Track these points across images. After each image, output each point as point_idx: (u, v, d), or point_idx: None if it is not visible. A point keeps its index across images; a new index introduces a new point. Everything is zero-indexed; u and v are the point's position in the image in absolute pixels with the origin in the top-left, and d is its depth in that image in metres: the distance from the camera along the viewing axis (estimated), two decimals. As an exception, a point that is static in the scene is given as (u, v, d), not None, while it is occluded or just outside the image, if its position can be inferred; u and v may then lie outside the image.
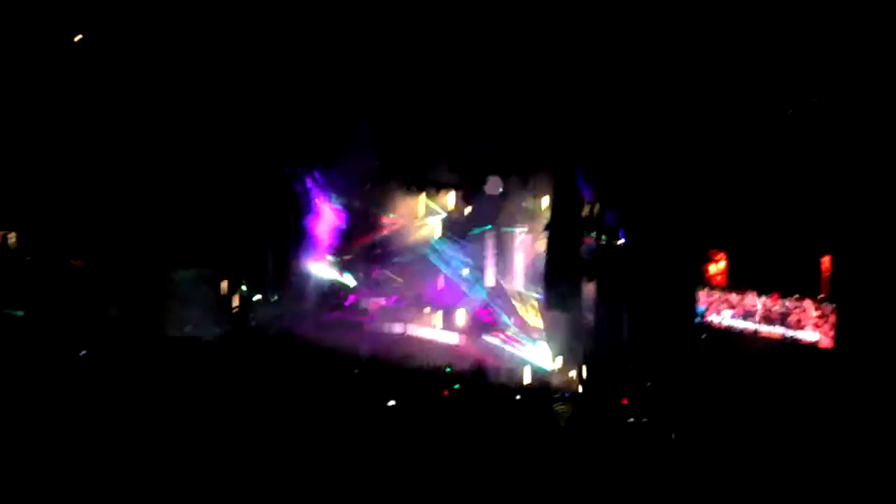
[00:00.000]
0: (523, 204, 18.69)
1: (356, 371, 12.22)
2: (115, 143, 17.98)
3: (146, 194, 18.29)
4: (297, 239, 20.05)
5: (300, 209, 20.05)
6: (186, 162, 18.32)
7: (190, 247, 18.55)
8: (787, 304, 14.77)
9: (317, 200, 20.02)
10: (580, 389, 15.78)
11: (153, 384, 10.26)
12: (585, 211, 16.85)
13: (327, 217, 20.26)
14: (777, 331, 14.90)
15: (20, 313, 13.89)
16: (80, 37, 17.52)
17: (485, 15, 15.48)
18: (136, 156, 18.11)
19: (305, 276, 19.99)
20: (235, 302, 19.22)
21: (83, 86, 17.64)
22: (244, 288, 19.36)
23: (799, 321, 14.61)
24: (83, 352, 11.65)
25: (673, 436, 11.58)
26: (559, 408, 11.37)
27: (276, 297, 19.61)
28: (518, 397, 11.64)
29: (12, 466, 8.38)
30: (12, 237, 18.36)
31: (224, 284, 18.90)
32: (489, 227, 19.51)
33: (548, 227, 17.05)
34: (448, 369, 13.27)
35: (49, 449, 8.86)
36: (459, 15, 15.65)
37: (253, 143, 18.70)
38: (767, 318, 15.05)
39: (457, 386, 13.13)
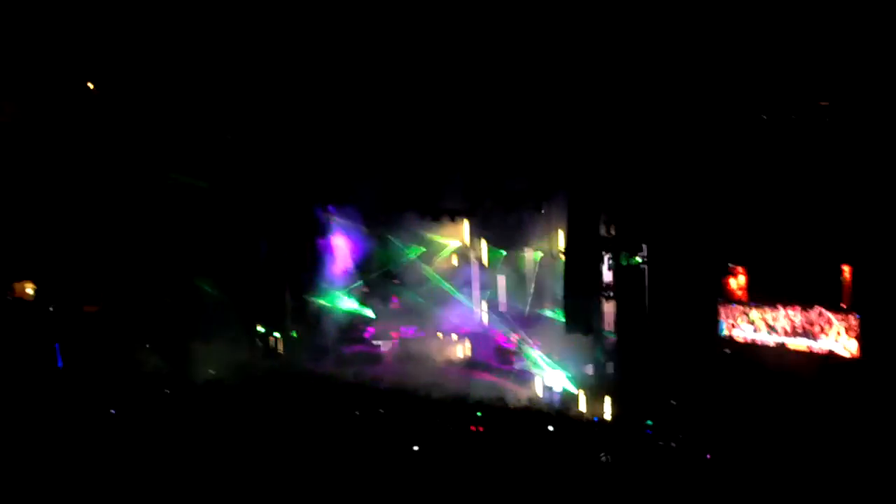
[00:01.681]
0: (539, 227, 18.66)
1: (381, 410, 12.12)
2: (129, 184, 18.09)
3: (161, 236, 18.38)
4: (314, 274, 20.08)
5: (316, 244, 20.11)
6: (201, 200, 18.43)
7: (206, 287, 18.65)
8: (810, 315, 14.64)
9: (333, 235, 20.07)
10: (607, 414, 15.67)
11: (184, 436, 10.24)
12: (602, 231, 16.82)
13: (344, 250, 20.31)
14: (800, 343, 14.77)
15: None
16: (92, 85, 17.71)
17: (500, 41, 15.54)
18: (151, 198, 18.23)
19: (324, 311, 20.00)
20: (257, 342, 19.23)
21: (97, 129, 17.79)
22: (261, 327, 19.33)
23: (822, 332, 14.49)
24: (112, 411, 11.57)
25: (705, 456, 11.48)
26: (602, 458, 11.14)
27: (294, 334, 19.58)
28: (550, 428, 11.49)
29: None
30: (30, 287, 18.45)
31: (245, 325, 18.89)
32: (504, 252, 19.52)
33: (565, 250, 17.00)
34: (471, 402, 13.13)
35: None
36: (473, 40, 15.71)
37: (268, 180, 18.81)
38: (790, 331, 14.92)
39: (479, 414, 13.02)
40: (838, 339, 14.25)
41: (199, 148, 18.34)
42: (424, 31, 16.00)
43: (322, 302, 20.21)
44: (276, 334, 19.45)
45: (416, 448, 10.62)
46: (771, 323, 15.21)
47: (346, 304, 20.16)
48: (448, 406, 13.09)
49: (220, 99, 17.63)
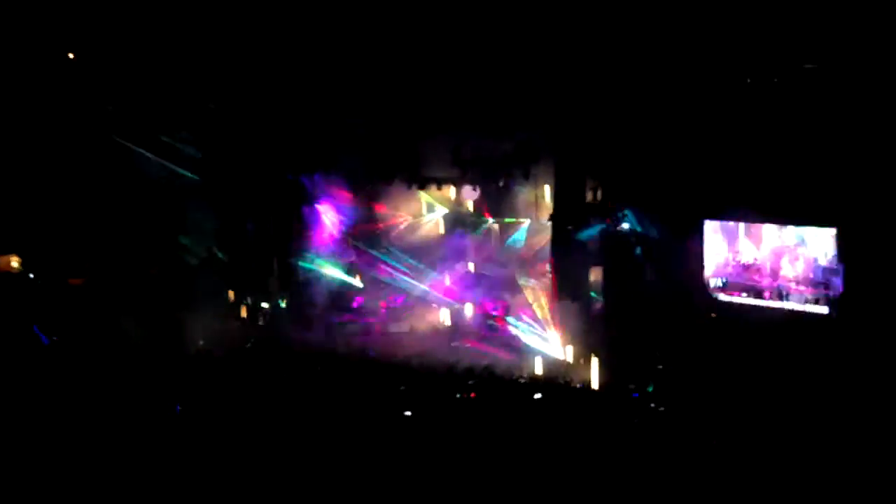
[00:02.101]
0: (525, 194, 18.64)
1: (367, 376, 12.15)
2: (113, 155, 17.92)
3: (146, 205, 18.24)
4: (301, 243, 20.03)
5: (303, 213, 20.02)
6: (186, 169, 18.29)
7: (194, 258, 18.57)
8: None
9: (319, 203, 19.98)
10: (594, 378, 15.77)
11: (176, 406, 10.26)
12: (589, 197, 16.83)
13: (331, 219, 20.24)
14: (785, 305, 14.87)
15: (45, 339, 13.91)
16: (72, 55, 17.46)
17: (481, 12, 15.39)
18: (135, 168, 18.05)
19: (312, 281, 19.98)
20: (244, 312, 19.15)
21: (77, 100, 17.57)
22: (250, 297, 19.26)
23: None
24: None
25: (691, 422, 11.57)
26: None
27: (284, 304, 19.55)
28: (537, 395, 11.56)
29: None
30: (16, 261, 18.34)
31: (231, 294, 18.82)
32: (492, 220, 19.50)
33: (552, 217, 17.00)
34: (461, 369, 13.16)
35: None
36: (454, 12, 15.56)
37: (253, 149, 18.66)
38: (774, 292, 15.02)
39: (471, 382, 13.08)
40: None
41: (182, 117, 18.13)
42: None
43: (310, 271, 20.15)
44: (264, 304, 19.38)
45: (407, 413, 10.68)
46: (756, 283, 15.32)
47: (334, 273, 20.10)
48: (437, 375, 13.12)
49: (203, 67, 17.40)
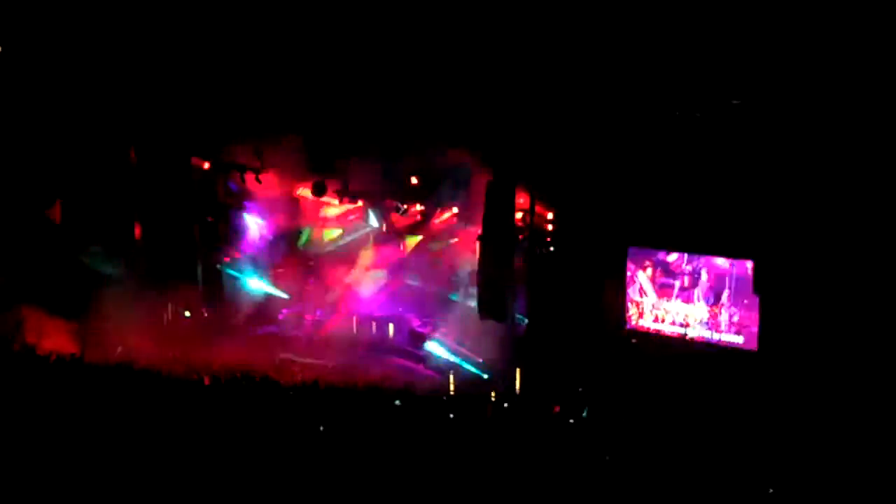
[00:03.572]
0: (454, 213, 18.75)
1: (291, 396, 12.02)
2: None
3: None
4: (227, 252, 19.75)
5: (229, 221, 19.75)
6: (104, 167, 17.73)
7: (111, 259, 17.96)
8: (713, 308, 15.18)
9: (247, 212, 19.75)
10: (515, 395, 15.94)
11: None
12: (517, 218, 17.03)
13: (257, 229, 20.02)
14: (704, 334, 15.29)
15: None
16: None
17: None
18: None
19: (237, 290, 19.72)
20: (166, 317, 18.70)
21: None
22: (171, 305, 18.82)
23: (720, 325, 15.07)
24: None
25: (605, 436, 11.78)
26: None
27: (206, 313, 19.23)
28: (451, 415, 11.62)
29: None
30: None
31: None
32: (419, 237, 19.56)
33: (480, 237, 17.13)
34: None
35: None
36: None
37: (175, 150, 18.21)
38: (693, 322, 15.45)
39: (397, 402, 13.07)
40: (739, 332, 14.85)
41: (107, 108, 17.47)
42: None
43: (235, 280, 19.90)
44: (187, 313, 19.02)
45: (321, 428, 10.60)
46: (674, 315, 15.74)
47: (260, 284, 19.88)
48: (354, 392, 13.08)
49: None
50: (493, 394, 15.65)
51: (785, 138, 13.77)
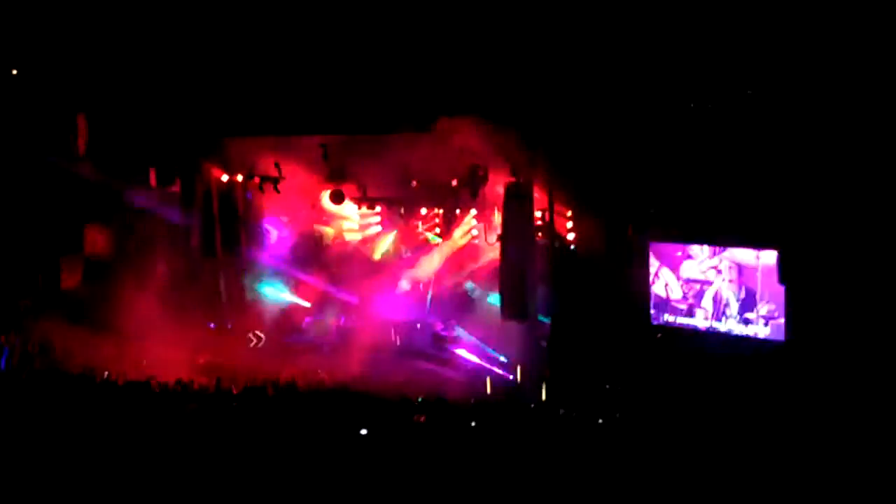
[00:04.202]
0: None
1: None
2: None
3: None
4: (249, 261, 19.79)
5: (251, 232, 19.77)
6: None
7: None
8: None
9: (265, 221, 19.78)
10: (543, 397, 15.88)
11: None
12: (538, 217, 16.99)
13: (278, 236, 20.07)
14: (731, 327, 15.20)
15: None
16: None
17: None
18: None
19: (260, 300, 19.77)
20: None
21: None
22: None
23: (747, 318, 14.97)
24: None
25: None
26: None
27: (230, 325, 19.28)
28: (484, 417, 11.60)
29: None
30: None
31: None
32: (440, 238, 19.54)
33: (500, 237, 17.10)
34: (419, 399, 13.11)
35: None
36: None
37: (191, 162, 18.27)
38: (719, 316, 15.35)
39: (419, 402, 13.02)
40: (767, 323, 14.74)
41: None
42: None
43: (257, 290, 19.95)
44: (211, 325, 19.09)
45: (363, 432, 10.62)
46: (699, 309, 15.66)
47: (282, 293, 19.92)
48: (383, 399, 13.05)
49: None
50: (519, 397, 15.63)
51: (801, 129, 13.69)
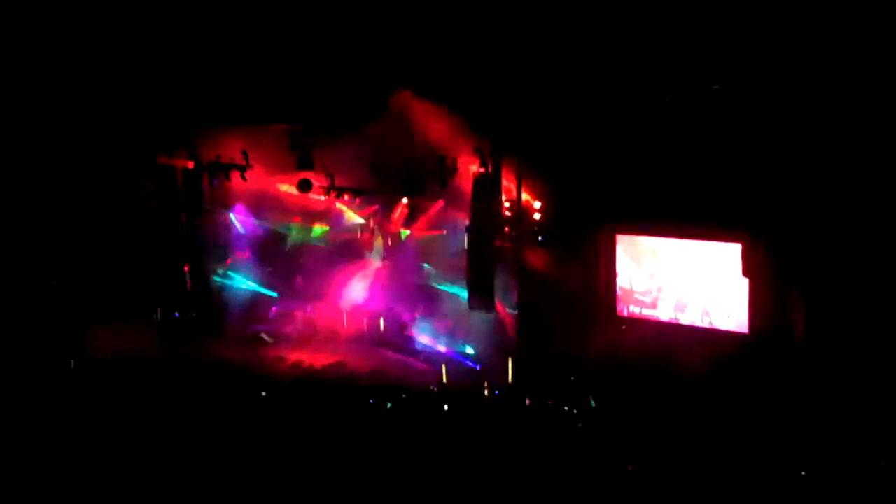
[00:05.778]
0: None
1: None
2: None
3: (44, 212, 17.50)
4: (215, 251, 19.65)
5: (216, 221, 19.63)
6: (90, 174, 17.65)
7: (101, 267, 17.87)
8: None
9: (233, 211, 19.65)
10: (507, 387, 15.95)
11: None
12: (505, 209, 17.02)
13: (246, 226, 19.93)
14: (695, 320, 15.35)
15: None
16: None
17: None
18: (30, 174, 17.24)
19: (225, 290, 19.64)
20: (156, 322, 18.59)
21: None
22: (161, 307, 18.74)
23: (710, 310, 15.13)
24: None
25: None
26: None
27: (195, 315, 19.13)
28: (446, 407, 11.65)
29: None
30: None
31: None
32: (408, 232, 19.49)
33: (468, 228, 17.11)
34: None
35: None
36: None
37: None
38: (683, 308, 15.50)
39: (389, 405, 13.08)
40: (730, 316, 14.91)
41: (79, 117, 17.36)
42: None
43: (223, 281, 19.82)
44: (176, 314, 18.94)
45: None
46: (664, 301, 15.80)
47: (249, 283, 19.79)
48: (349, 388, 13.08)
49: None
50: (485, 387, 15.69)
51: (766, 123, 13.83)
